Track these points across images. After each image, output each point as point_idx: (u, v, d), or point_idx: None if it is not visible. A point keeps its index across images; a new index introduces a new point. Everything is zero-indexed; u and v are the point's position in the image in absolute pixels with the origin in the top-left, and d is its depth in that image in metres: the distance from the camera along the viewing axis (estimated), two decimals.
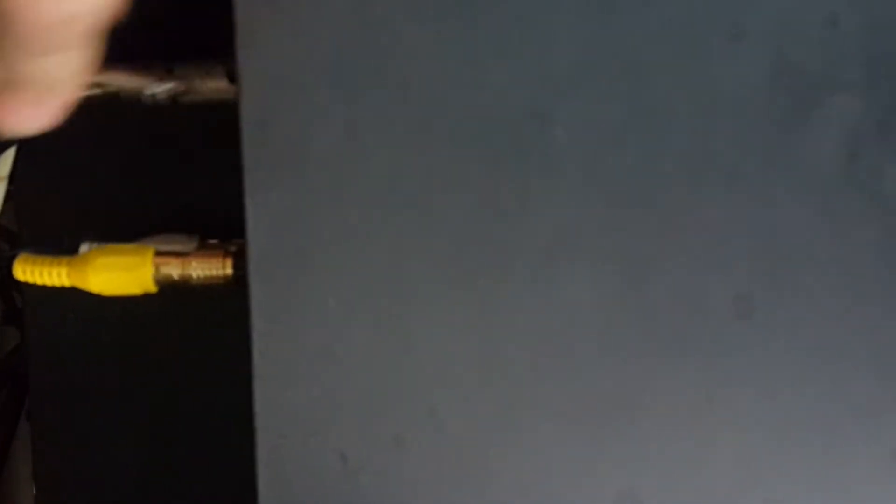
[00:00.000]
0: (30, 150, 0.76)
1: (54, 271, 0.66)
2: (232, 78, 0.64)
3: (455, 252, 0.57)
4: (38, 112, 0.43)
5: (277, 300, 0.58)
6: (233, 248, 0.67)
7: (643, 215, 0.57)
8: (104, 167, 0.78)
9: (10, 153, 0.73)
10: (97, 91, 0.66)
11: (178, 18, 0.73)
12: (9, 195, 0.75)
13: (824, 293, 0.57)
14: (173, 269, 0.66)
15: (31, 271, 0.66)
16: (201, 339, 0.77)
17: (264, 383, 0.58)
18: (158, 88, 0.64)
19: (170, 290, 0.68)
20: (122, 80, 0.65)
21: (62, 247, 0.69)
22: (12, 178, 0.74)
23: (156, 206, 0.75)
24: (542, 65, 0.57)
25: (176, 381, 0.78)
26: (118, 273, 0.65)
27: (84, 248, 0.68)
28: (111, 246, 0.67)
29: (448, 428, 0.58)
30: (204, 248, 0.67)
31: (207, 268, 0.66)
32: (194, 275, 0.66)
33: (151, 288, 0.67)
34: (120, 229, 0.71)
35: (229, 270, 0.66)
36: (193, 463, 0.79)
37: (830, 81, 0.56)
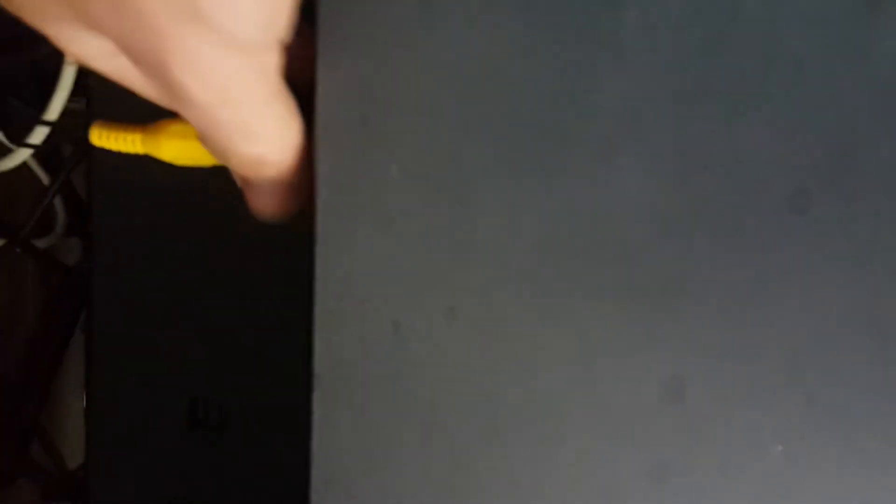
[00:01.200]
0: None
1: (129, 137, 0.68)
2: None
3: (519, 131, 0.58)
4: None
5: (342, 167, 0.59)
6: None
7: (707, 104, 0.57)
8: None
9: None
10: None
11: None
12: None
13: (883, 196, 0.57)
14: None
15: (107, 136, 0.68)
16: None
17: (325, 249, 0.60)
18: None
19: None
20: None
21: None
22: None
23: None
24: None
25: (239, 280, 0.80)
26: (192, 141, 0.66)
27: None
28: None
29: (500, 303, 0.59)
30: None
31: None
32: None
33: None
34: None
35: None
36: (250, 351, 0.81)
37: None
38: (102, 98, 0.80)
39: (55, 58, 1.00)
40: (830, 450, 0.58)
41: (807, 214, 0.57)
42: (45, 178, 1.11)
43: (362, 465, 0.61)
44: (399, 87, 0.58)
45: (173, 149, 0.67)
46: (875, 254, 0.57)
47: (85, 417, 0.84)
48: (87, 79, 0.79)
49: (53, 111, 1.01)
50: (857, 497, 0.57)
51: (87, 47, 0.53)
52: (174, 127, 0.67)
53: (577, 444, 0.59)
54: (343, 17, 0.58)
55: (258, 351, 0.78)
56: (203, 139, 0.59)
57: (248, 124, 0.55)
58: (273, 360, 0.76)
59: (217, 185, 0.72)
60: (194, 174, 0.71)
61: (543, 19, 0.57)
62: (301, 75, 0.59)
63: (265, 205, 0.63)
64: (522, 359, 0.59)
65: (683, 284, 0.58)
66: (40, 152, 1.08)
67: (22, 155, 1.06)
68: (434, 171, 0.59)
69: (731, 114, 0.57)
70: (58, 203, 1.14)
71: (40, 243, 1.15)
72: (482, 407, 0.59)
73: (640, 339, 0.58)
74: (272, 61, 0.54)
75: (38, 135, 1.04)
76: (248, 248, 0.77)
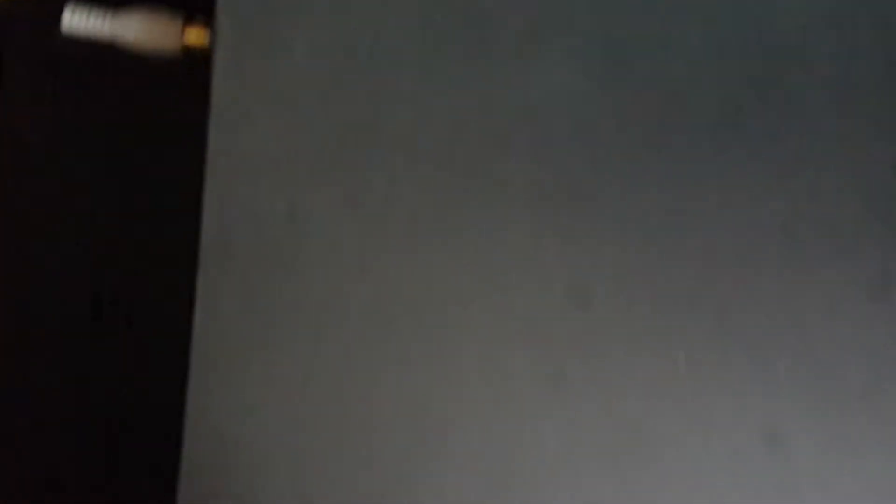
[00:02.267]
0: None
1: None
2: None
3: (440, 14, 0.54)
4: None
5: (244, 41, 0.54)
6: None
7: (639, 3, 0.53)
8: None
9: None
10: None
11: None
12: None
13: (814, 118, 0.55)
14: None
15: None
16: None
17: (220, 123, 0.55)
18: None
19: None
20: None
21: None
22: None
23: None
24: None
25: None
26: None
27: None
28: None
29: (405, 194, 0.55)
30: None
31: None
32: None
33: None
34: None
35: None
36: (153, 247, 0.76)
37: None
38: None
39: None
40: (734, 364, 0.57)
41: (736, 125, 0.54)
42: None
43: (245, 352, 0.58)
44: None
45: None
46: (798, 169, 0.55)
47: None
48: None
49: None
50: (759, 415, 0.57)
51: None
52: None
53: (478, 345, 0.57)
54: None
55: (159, 248, 0.73)
56: None
57: None
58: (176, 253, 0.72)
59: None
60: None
61: None
62: None
63: None
64: (424, 256, 0.56)
65: (598, 190, 0.55)
66: None
67: None
68: (344, 53, 0.54)
69: (665, 13, 0.53)
70: None
71: None
72: (378, 303, 0.56)
73: (547, 243, 0.56)
74: None
75: None
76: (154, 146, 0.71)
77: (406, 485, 0.59)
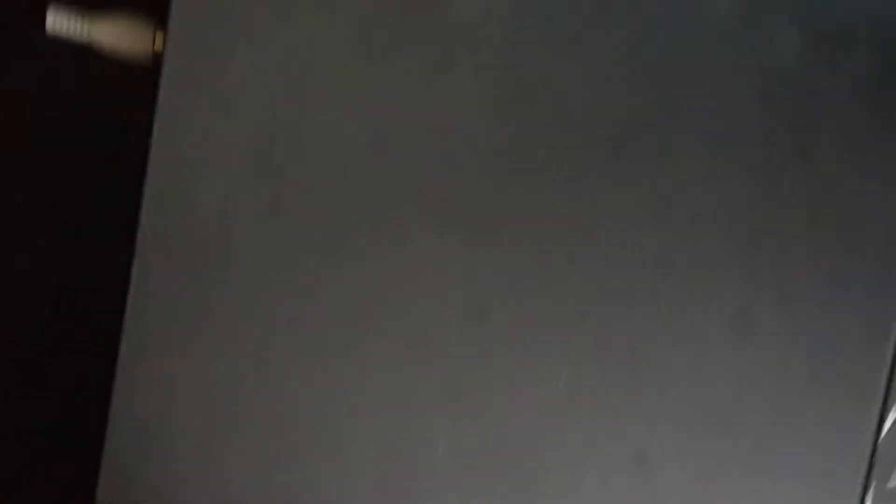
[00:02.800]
0: None
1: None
2: None
3: (366, 31, 0.60)
4: None
5: (192, 47, 0.60)
6: None
7: (542, 30, 0.59)
8: None
9: None
10: None
11: None
12: None
13: (693, 149, 0.59)
14: None
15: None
16: None
17: (163, 123, 0.61)
18: None
19: None
20: None
21: None
22: None
23: None
24: None
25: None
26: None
27: None
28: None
29: (324, 200, 0.61)
30: None
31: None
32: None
33: None
34: None
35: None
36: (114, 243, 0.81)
37: None
38: None
39: None
40: (610, 386, 0.61)
41: (624, 151, 0.59)
42: None
43: (172, 341, 0.63)
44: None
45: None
46: (674, 205, 0.59)
47: None
48: None
49: None
50: (631, 438, 0.60)
51: None
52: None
53: (383, 355, 0.61)
54: None
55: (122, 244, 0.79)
56: None
57: None
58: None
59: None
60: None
61: None
62: None
63: None
64: (339, 264, 0.61)
65: (499, 211, 0.60)
66: None
67: None
68: (281, 62, 0.60)
69: (565, 48, 0.59)
70: None
71: None
72: (295, 307, 0.61)
73: (448, 260, 0.60)
74: None
75: None
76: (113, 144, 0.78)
77: (312, 481, 0.63)
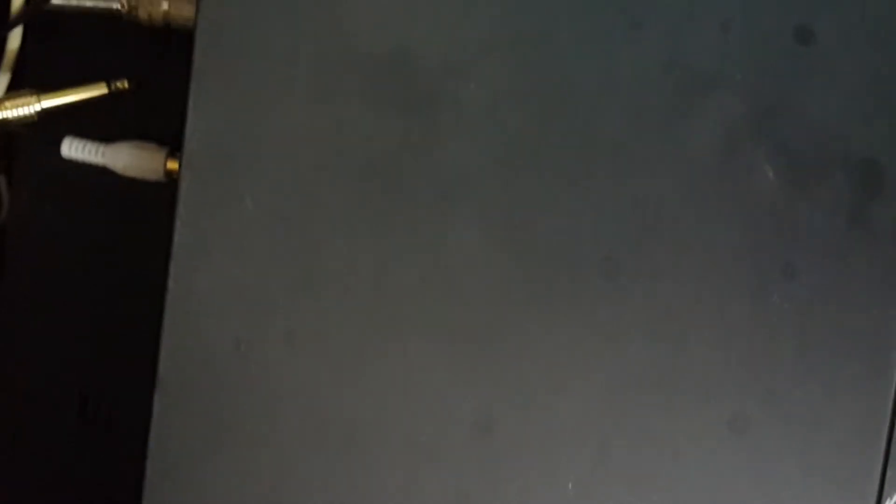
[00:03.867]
0: None
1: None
2: None
3: (365, 180, 0.64)
4: None
5: (202, 191, 0.64)
6: None
7: (535, 174, 0.64)
8: None
9: None
10: None
11: None
12: None
13: (682, 272, 0.64)
14: None
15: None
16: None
17: (180, 264, 0.65)
18: None
19: None
20: None
21: None
22: None
23: None
24: (464, 28, 0.64)
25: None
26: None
27: None
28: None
29: (335, 330, 0.65)
30: None
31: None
32: None
33: None
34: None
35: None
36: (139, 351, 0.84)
37: (716, 80, 0.63)
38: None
39: None
40: (615, 495, 0.64)
41: (615, 279, 0.64)
42: None
43: (194, 463, 0.66)
44: (262, 133, 0.64)
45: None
46: (669, 320, 0.64)
47: None
48: None
49: None
50: None
51: None
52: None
53: (394, 470, 0.65)
54: (217, 60, 0.63)
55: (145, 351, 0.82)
56: None
57: None
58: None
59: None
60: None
61: (389, 86, 0.63)
62: None
63: None
64: (351, 386, 0.64)
65: (500, 334, 0.64)
66: None
67: None
68: (286, 209, 0.64)
69: (556, 184, 0.63)
70: None
71: None
72: (309, 432, 0.65)
73: (455, 377, 0.64)
74: None
75: None
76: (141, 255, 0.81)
77: None
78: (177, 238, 0.65)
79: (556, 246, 0.64)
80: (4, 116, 0.73)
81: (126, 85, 0.75)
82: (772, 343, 0.63)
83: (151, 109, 0.74)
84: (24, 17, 0.74)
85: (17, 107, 0.73)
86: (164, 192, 0.70)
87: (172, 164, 0.72)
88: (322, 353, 0.65)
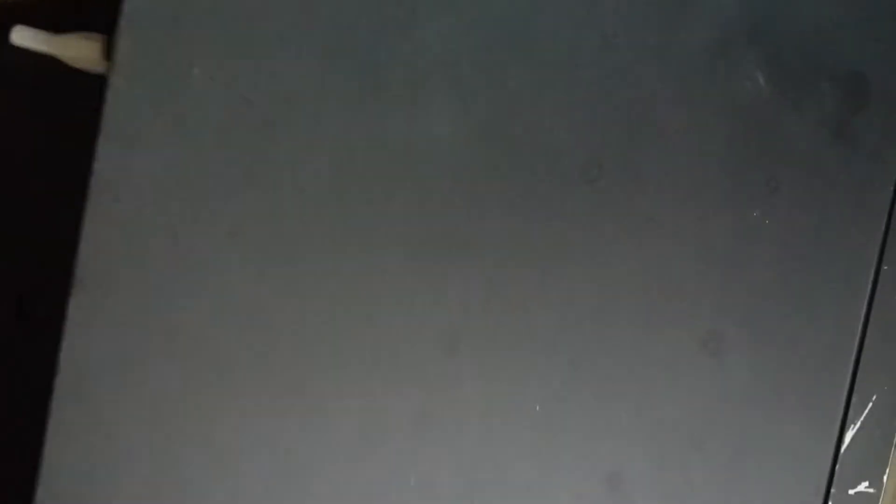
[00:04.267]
0: None
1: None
2: None
3: (334, 53, 0.56)
4: None
5: (143, 62, 0.55)
6: None
7: (519, 64, 0.58)
8: None
9: None
10: None
11: None
12: None
13: (667, 181, 0.60)
14: None
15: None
16: None
17: (109, 144, 0.55)
18: None
19: None
20: None
21: None
22: None
23: None
24: None
25: None
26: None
27: None
28: None
29: (286, 230, 0.57)
30: None
31: None
32: None
33: None
34: None
35: None
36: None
37: None
38: None
39: None
40: (585, 416, 0.60)
41: (595, 184, 0.59)
42: None
43: (115, 375, 0.58)
44: None
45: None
46: (650, 231, 0.60)
47: None
48: None
49: None
50: (603, 460, 0.60)
51: None
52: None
53: (349, 384, 0.58)
54: None
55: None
56: None
57: None
58: None
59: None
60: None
61: None
62: None
63: None
64: (303, 291, 0.57)
65: (472, 238, 0.58)
66: None
67: None
68: (241, 81, 0.56)
69: (541, 77, 0.58)
70: None
71: None
72: (253, 338, 0.57)
73: (420, 290, 0.58)
74: None
75: None
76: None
77: None
78: (107, 111, 0.56)
79: (534, 146, 0.59)
80: None
81: None
82: (750, 261, 0.61)
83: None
84: None
85: None
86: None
87: None
88: (274, 250, 0.57)
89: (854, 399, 0.62)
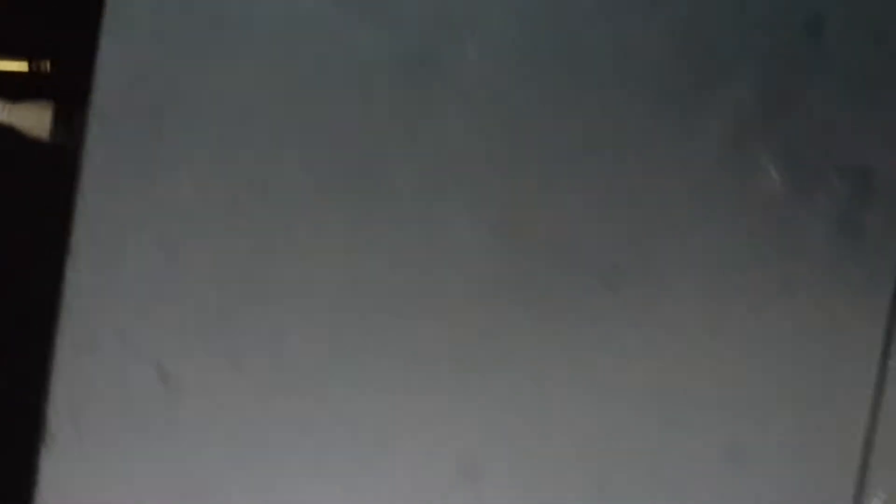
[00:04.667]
0: None
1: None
2: None
3: (325, 157, 0.50)
4: None
5: (116, 163, 0.47)
6: None
7: (532, 156, 0.53)
8: None
9: None
10: None
11: None
12: None
13: (684, 284, 0.57)
14: None
15: None
16: None
17: (80, 266, 0.47)
18: None
19: None
20: None
21: None
22: None
23: None
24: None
25: None
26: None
27: None
28: None
29: (292, 354, 0.50)
30: None
31: None
32: None
33: None
34: None
35: None
36: None
37: (730, 67, 0.56)
38: None
39: None
40: None
41: (618, 291, 0.55)
42: None
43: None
44: (189, 83, 0.47)
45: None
46: (673, 336, 0.56)
47: None
48: None
49: None
50: None
51: None
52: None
53: None
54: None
55: None
56: None
57: None
58: None
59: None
60: None
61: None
62: None
63: None
64: (311, 420, 0.51)
65: (492, 356, 0.53)
66: None
67: None
68: (236, 191, 0.48)
69: (556, 173, 0.54)
70: None
71: None
72: (258, 474, 0.50)
73: (438, 411, 0.53)
74: None
75: None
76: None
77: None
78: (77, 229, 0.47)
79: (554, 251, 0.54)
80: None
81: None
82: (767, 364, 0.58)
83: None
84: None
85: None
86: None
87: None
88: (276, 383, 0.50)
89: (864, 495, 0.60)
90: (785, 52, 0.58)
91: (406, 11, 0.52)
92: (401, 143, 0.52)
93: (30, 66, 0.71)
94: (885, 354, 0.61)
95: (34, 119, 0.56)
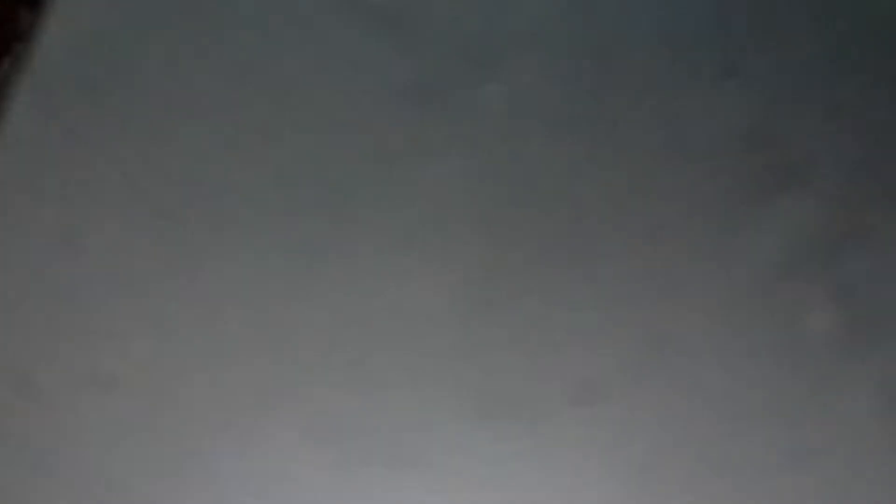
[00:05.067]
0: None
1: None
2: None
3: (287, 191, 0.43)
4: None
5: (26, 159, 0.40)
6: None
7: (519, 237, 0.44)
8: None
9: None
10: None
11: None
12: None
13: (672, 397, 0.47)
14: None
15: None
16: None
17: None
18: None
19: None
20: None
21: None
22: None
23: None
24: None
25: None
26: None
27: None
28: None
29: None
30: None
31: None
32: None
33: None
34: None
35: None
36: None
37: (796, 172, 0.46)
38: None
39: None
40: None
41: (593, 407, 0.46)
42: None
43: None
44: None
45: None
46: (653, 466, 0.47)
47: None
48: None
49: None
50: None
51: None
52: None
53: None
54: None
55: None
56: None
57: None
58: None
59: None
60: None
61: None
62: None
63: None
64: None
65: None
66: None
67: None
68: (165, 223, 0.41)
69: (543, 268, 0.45)
70: None
71: None
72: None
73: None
74: None
75: None
76: None
77: None
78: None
79: (523, 365, 0.45)
80: None
81: None
82: None
83: None
84: None
85: None
86: None
87: None
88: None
89: None
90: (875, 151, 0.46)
91: (422, 35, 0.43)
92: (374, 190, 0.43)
93: None
94: None
95: None
